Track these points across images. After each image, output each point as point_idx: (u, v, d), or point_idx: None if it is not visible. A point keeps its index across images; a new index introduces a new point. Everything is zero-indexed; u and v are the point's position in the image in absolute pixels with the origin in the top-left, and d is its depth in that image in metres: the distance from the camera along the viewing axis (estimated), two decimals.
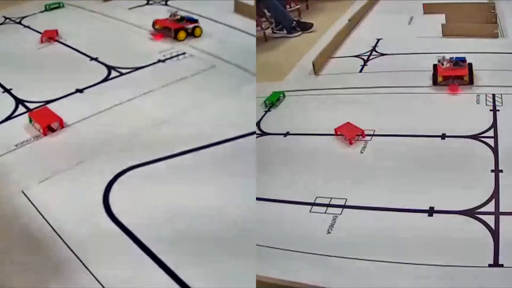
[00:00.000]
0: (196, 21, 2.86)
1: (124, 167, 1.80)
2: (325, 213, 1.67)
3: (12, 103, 2.24)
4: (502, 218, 1.51)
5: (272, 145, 2.15)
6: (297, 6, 4.00)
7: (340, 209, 1.67)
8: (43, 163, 1.83)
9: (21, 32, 3.05)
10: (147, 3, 3.46)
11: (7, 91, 2.34)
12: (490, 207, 1.56)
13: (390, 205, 1.65)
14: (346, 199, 1.71)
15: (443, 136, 1.97)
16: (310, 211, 1.69)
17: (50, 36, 2.85)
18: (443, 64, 2.37)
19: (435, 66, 2.41)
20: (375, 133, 2.07)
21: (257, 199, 1.75)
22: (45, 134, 1.99)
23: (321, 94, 2.55)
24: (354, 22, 3.54)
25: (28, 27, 3.10)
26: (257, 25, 3.40)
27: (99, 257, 1.44)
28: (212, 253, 1.46)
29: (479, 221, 1.51)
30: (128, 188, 1.72)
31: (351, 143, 2.03)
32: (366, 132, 2.07)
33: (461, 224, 1.52)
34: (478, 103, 2.18)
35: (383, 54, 2.92)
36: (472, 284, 1.31)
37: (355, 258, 1.46)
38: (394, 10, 3.77)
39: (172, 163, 1.84)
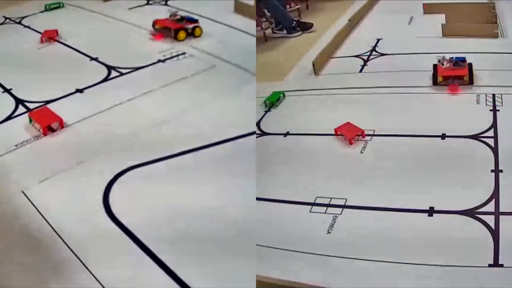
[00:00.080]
0: (196, 21, 2.86)
1: (124, 167, 1.80)
2: (325, 213, 1.67)
3: (12, 103, 2.24)
4: (502, 218, 1.51)
5: (272, 145, 2.15)
6: (297, 6, 4.00)
7: (340, 209, 1.67)
8: (43, 163, 1.83)
9: (21, 32, 3.05)
10: (147, 3, 3.46)
11: (7, 91, 2.34)
12: (490, 207, 1.56)
13: (390, 205, 1.65)
14: (346, 199, 1.71)
15: (443, 136, 1.97)
16: (310, 211, 1.69)
17: (50, 36, 2.85)
18: (443, 64, 2.37)
19: (435, 66, 2.41)
20: (375, 133, 2.07)
21: (257, 199, 1.75)
22: (45, 134, 1.99)
23: (321, 94, 2.55)
24: (354, 22, 3.54)
25: (28, 27, 3.10)
26: (257, 25, 3.40)
27: (99, 257, 1.44)
28: (212, 253, 1.46)
29: (479, 221, 1.51)
30: (128, 188, 1.72)
31: (351, 143, 2.03)
32: (366, 132, 2.07)
33: (461, 224, 1.52)
34: (478, 103, 2.18)
35: (383, 54, 2.92)
36: (472, 284, 1.31)
37: (355, 258, 1.46)
38: (394, 10, 3.77)
39: (172, 163, 1.84)
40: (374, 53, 2.95)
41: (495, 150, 1.83)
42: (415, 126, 2.07)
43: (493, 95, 2.21)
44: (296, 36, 3.55)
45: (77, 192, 1.70)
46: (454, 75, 2.34)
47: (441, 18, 3.23)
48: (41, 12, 3.34)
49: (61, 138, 1.99)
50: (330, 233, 1.58)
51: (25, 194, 1.68)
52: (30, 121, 2.06)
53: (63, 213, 1.60)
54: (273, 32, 3.63)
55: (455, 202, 1.60)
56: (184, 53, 2.65)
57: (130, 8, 3.36)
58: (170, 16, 2.88)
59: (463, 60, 2.37)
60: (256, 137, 2.17)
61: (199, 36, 2.83)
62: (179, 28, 2.79)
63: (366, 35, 3.32)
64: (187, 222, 1.56)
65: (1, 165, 1.83)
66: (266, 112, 2.42)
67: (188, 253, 1.46)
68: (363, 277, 1.39)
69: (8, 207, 1.63)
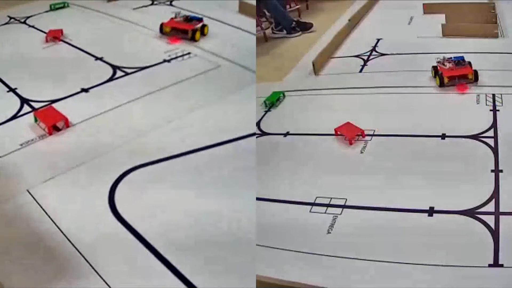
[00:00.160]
0: (201, 19, 2.85)
1: (129, 167, 1.80)
2: (325, 213, 1.67)
3: (17, 102, 2.24)
4: (502, 218, 1.51)
5: (272, 145, 2.15)
6: (297, 6, 4.00)
7: (340, 209, 1.67)
8: (48, 162, 1.83)
9: (26, 32, 3.04)
10: (152, 4, 3.47)
11: (12, 90, 2.34)
12: (490, 207, 1.56)
13: (390, 205, 1.65)
14: (346, 199, 1.71)
15: (443, 136, 1.97)
16: (310, 211, 1.69)
17: (55, 36, 2.85)
18: (443, 64, 2.37)
19: (435, 67, 2.40)
20: (375, 133, 2.07)
21: (257, 199, 1.75)
22: (50, 134, 1.99)
23: (321, 94, 2.55)
24: (354, 22, 3.55)
25: (33, 26, 3.10)
26: (257, 25, 3.40)
27: (103, 256, 1.44)
28: (212, 252, 1.46)
29: (479, 221, 1.51)
30: (133, 188, 1.72)
31: (351, 143, 2.03)
32: (366, 132, 2.07)
33: (461, 224, 1.52)
34: (478, 103, 2.18)
35: (383, 54, 2.92)
36: (472, 284, 1.31)
37: (355, 258, 1.46)
38: (394, 10, 3.77)
39: (174, 163, 1.84)
40: (374, 53, 2.95)
41: (495, 150, 1.83)
42: (415, 126, 2.07)
43: (493, 95, 2.21)
44: (296, 36, 3.55)
45: (82, 191, 1.71)
46: (459, 75, 2.33)
47: (441, 18, 3.24)
48: (46, 12, 3.34)
49: (66, 138, 1.99)
50: (330, 233, 1.58)
51: (30, 193, 1.68)
52: (36, 120, 2.06)
53: (68, 212, 1.60)
54: (273, 33, 3.63)
55: (455, 202, 1.60)
56: (189, 53, 2.65)
57: (134, 8, 3.36)
58: (176, 16, 2.86)
59: (462, 59, 2.37)
60: (256, 137, 2.17)
61: (206, 34, 2.82)
62: (194, 28, 2.77)
63: (366, 35, 3.32)
64: (187, 222, 1.56)
65: (7, 164, 1.83)
66: (266, 112, 2.42)
67: (187, 252, 1.46)
68: (363, 277, 1.39)
69: (13, 206, 1.63)
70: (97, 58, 2.63)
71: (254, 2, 3.20)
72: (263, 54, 3.27)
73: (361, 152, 1.98)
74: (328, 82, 2.66)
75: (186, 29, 2.77)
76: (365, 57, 2.90)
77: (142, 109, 2.18)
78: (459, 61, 2.35)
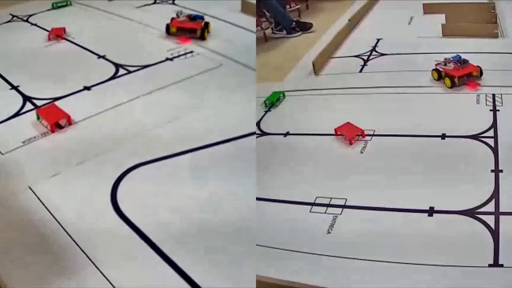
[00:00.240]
0: (203, 17, 2.84)
1: (131, 165, 1.80)
2: (325, 213, 1.67)
3: (19, 100, 2.24)
4: (502, 218, 1.51)
5: (272, 145, 2.15)
6: (297, 6, 4.00)
7: (340, 209, 1.67)
8: (51, 160, 1.84)
9: (29, 30, 3.05)
10: (154, 2, 3.46)
11: (15, 88, 2.35)
12: (490, 207, 1.56)
13: (390, 205, 1.65)
14: (346, 199, 1.71)
15: (443, 136, 1.97)
16: (310, 211, 1.69)
17: (58, 34, 2.86)
18: (446, 65, 2.36)
19: (438, 70, 2.39)
20: (375, 133, 2.07)
21: (257, 199, 1.75)
22: (52, 131, 2.00)
23: (321, 94, 2.55)
24: (354, 22, 3.54)
25: (36, 25, 3.11)
26: (257, 25, 3.40)
27: (106, 253, 1.44)
28: (212, 252, 1.46)
29: (479, 221, 1.51)
30: (135, 185, 1.72)
31: (351, 143, 2.03)
32: (366, 132, 2.07)
33: (461, 224, 1.52)
34: (478, 103, 2.18)
35: (383, 54, 2.92)
36: (472, 284, 1.31)
37: (355, 258, 1.46)
38: (394, 10, 3.77)
39: (174, 162, 1.84)
40: (374, 53, 2.95)
41: (495, 150, 1.83)
42: (415, 126, 2.07)
43: (493, 95, 2.21)
44: (296, 36, 3.55)
45: (84, 188, 1.71)
46: (467, 73, 2.32)
47: (441, 18, 3.23)
48: (48, 10, 3.35)
49: (68, 135, 1.99)
50: (330, 233, 1.58)
51: (32, 190, 1.68)
52: (38, 118, 2.07)
53: (70, 209, 1.60)
54: (273, 33, 3.63)
55: (455, 202, 1.60)
56: (191, 52, 2.65)
57: (137, 7, 3.36)
58: (177, 15, 2.86)
59: (459, 58, 2.36)
60: (256, 137, 2.17)
61: (209, 33, 2.82)
62: (201, 27, 2.76)
63: (366, 35, 3.32)
64: (187, 222, 1.56)
65: (9, 161, 1.84)
66: (266, 112, 2.42)
67: (188, 252, 1.46)
68: (363, 277, 1.39)
69: (15, 203, 1.63)
70: (99, 56, 2.63)
71: (255, 2, 3.21)
72: (263, 54, 3.27)
73: (361, 152, 1.98)
74: (328, 82, 2.66)
75: (195, 28, 2.76)
76: (365, 57, 2.90)
77: (144, 107, 2.18)
78: (460, 60, 2.35)
